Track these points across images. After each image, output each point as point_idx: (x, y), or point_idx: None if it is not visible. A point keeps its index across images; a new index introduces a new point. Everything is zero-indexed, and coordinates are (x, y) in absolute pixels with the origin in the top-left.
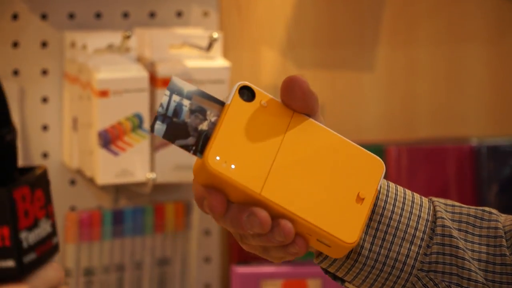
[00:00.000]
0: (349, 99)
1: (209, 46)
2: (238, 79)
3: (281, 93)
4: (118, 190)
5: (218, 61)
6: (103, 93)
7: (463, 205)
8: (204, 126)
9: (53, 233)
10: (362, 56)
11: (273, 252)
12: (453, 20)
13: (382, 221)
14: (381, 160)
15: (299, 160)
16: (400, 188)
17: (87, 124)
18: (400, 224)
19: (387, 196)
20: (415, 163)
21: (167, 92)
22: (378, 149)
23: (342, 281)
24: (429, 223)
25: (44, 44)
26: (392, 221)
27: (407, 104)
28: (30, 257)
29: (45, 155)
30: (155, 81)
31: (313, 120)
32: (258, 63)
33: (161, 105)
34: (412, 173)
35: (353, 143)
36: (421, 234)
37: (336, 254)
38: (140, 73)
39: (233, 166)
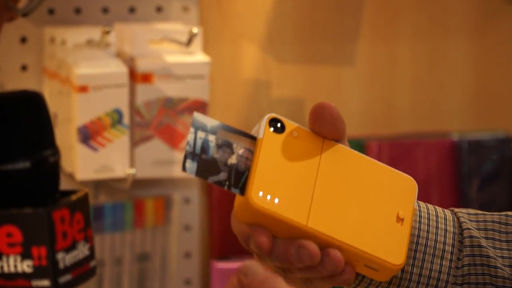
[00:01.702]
0: (330, 94)
1: (189, 41)
2: (218, 74)
3: (311, 121)
4: (97, 186)
5: (198, 56)
6: (83, 89)
7: (485, 212)
8: (233, 160)
9: (91, 256)
10: (343, 51)
11: (318, 283)
12: (435, 15)
13: (411, 240)
14: (412, 179)
15: (337, 186)
16: (422, 204)
17: (67, 119)
18: (429, 241)
19: (420, 211)
20: (396, 158)
21: (192, 130)
22: (359, 144)
23: None
24: (456, 235)
25: (23, 40)
26: (420, 239)
27: (388, 99)
28: (65, 278)
29: None
30: (135, 77)
31: (343, 145)
32: (239, 58)
33: (188, 143)
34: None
35: (384, 164)
36: (451, 248)
37: (383, 277)
38: (119, 69)
39: (276, 200)
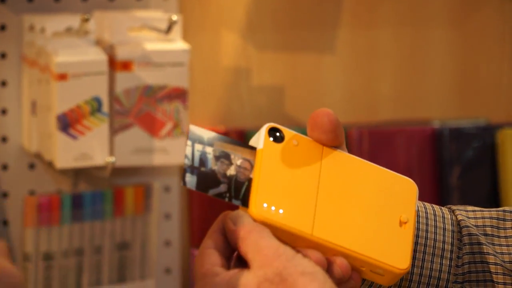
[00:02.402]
0: (311, 82)
1: (169, 29)
2: (198, 61)
3: (310, 128)
4: (77, 174)
5: (177, 44)
6: (62, 77)
7: (483, 208)
8: (231, 171)
9: None
10: (324, 38)
11: None
12: (416, 2)
13: None
14: (412, 181)
15: (340, 193)
16: (419, 203)
17: (46, 107)
18: (428, 240)
19: (417, 211)
20: (377, 145)
21: (189, 143)
22: None
23: None
24: (455, 234)
25: (2, 28)
26: (419, 239)
27: (369, 87)
28: None
29: (4, 139)
30: (114, 64)
31: (342, 151)
32: (218, 46)
33: (186, 156)
34: (374, 156)
35: (384, 168)
36: (450, 246)
37: (389, 282)
38: (99, 56)
39: (281, 211)
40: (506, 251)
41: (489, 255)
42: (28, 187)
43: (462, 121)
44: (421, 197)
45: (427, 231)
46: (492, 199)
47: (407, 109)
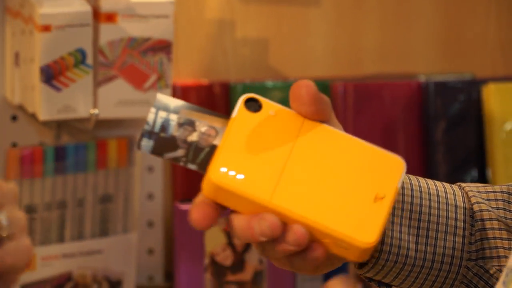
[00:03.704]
0: (295, 35)
1: None
2: (182, 13)
3: (290, 99)
4: (60, 126)
5: None
6: (46, 28)
7: (492, 185)
8: (193, 137)
9: None
10: None
11: (297, 262)
12: None
13: (422, 218)
14: (401, 159)
15: (311, 165)
16: (430, 181)
17: (30, 59)
18: (440, 218)
19: (420, 192)
20: (361, 99)
21: (153, 110)
22: (324, 85)
23: (388, 286)
24: (466, 210)
25: None
26: (432, 217)
27: (354, 40)
28: None
29: None
30: (99, 16)
31: (326, 125)
32: None
33: (147, 122)
34: (359, 110)
35: (370, 144)
36: (462, 223)
37: (356, 257)
38: (83, 8)
39: (240, 177)
40: None
41: (501, 230)
42: (11, 139)
43: (448, 75)
44: (407, 152)
45: (438, 208)
46: (477, 154)
47: (392, 63)
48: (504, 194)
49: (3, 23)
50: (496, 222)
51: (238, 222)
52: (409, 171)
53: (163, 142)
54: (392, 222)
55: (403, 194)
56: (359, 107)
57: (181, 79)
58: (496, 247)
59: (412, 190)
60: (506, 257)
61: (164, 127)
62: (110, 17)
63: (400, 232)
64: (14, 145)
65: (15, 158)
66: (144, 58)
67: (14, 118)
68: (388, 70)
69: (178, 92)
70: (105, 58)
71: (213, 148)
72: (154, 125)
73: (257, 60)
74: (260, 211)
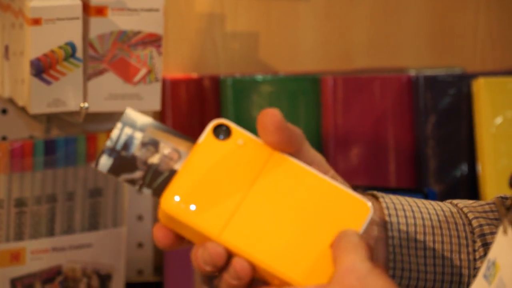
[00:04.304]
0: (285, 29)
1: None
2: (172, 7)
3: (257, 127)
4: (49, 119)
5: None
6: (36, 21)
7: (482, 201)
8: (154, 159)
9: None
10: None
11: None
12: None
13: (427, 239)
14: (368, 203)
15: (271, 201)
16: (425, 202)
17: (19, 52)
18: (444, 237)
19: (420, 212)
20: (351, 93)
21: (119, 125)
22: (314, 79)
23: None
24: (466, 226)
25: None
26: (435, 236)
27: (344, 34)
28: None
29: None
30: (88, 9)
31: (294, 159)
32: None
33: (110, 138)
34: (348, 104)
35: (338, 185)
36: (465, 240)
37: None
38: (73, 1)
39: (192, 207)
40: None
41: None
42: (0, 133)
43: (438, 69)
44: (397, 147)
45: (440, 227)
46: (468, 148)
47: (382, 57)
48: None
49: None
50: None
51: (192, 251)
52: (400, 165)
53: (122, 162)
54: (396, 253)
55: (398, 223)
56: (349, 101)
57: (171, 73)
58: None
59: (406, 217)
60: None
61: (127, 145)
62: (100, 11)
63: (409, 255)
64: (4, 138)
65: (5, 151)
66: (134, 52)
67: (4, 111)
68: (378, 64)
69: (168, 85)
70: (95, 52)
71: (172, 173)
72: (117, 142)
73: (247, 53)
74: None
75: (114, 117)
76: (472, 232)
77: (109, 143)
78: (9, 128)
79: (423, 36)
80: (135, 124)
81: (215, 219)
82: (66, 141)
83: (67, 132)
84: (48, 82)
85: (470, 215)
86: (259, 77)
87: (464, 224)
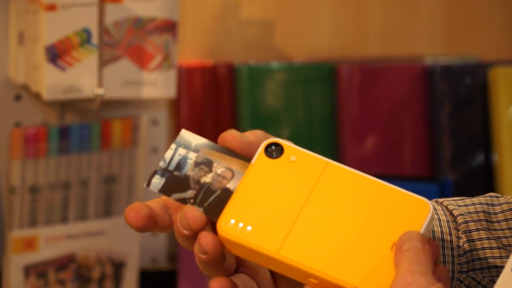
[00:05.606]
0: (300, 16)
1: None
2: None
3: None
4: (64, 106)
5: None
6: (51, 7)
7: (470, 198)
8: (207, 178)
9: None
10: None
11: None
12: None
13: None
14: (427, 201)
15: (328, 211)
16: None
17: (34, 38)
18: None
19: None
20: (367, 82)
21: (173, 146)
22: (329, 68)
23: None
24: (450, 223)
25: None
26: None
27: (360, 22)
28: None
29: None
30: None
31: (347, 167)
32: None
33: (164, 159)
34: (364, 92)
35: (394, 187)
36: (449, 236)
37: None
38: None
39: (249, 228)
40: (502, 235)
41: (489, 240)
42: (15, 119)
43: (454, 58)
44: (413, 135)
45: None
46: (483, 138)
47: (397, 45)
48: (484, 206)
49: (8, 2)
50: (483, 232)
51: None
52: (415, 154)
53: (175, 181)
54: None
55: None
56: (364, 90)
57: (186, 60)
58: (486, 258)
59: None
60: (497, 266)
61: (180, 165)
62: None
63: None
64: (18, 124)
65: (19, 138)
66: (150, 38)
67: (18, 97)
68: (393, 51)
69: (183, 73)
70: (111, 38)
71: (224, 191)
72: (170, 163)
73: (262, 41)
74: (269, 263)
75: (129, 104)
76: (457, 229)
77: (162, 164)
78: (23, 114)
79: (439, 24)
80: (190, 145)
81: (273, 236)
82: (81, 128)
83: (82, 118)
84: (62, 68)
85: (455, 212)
86: (275, 64)
87: (448, 221)
